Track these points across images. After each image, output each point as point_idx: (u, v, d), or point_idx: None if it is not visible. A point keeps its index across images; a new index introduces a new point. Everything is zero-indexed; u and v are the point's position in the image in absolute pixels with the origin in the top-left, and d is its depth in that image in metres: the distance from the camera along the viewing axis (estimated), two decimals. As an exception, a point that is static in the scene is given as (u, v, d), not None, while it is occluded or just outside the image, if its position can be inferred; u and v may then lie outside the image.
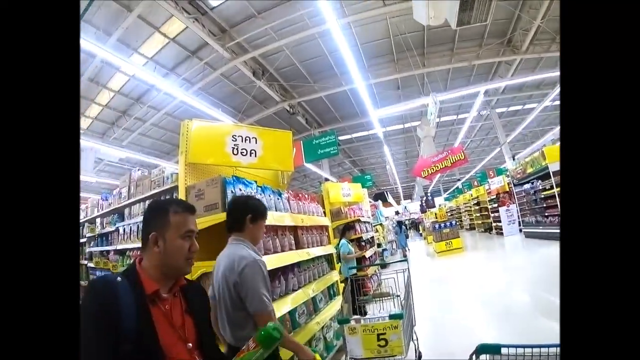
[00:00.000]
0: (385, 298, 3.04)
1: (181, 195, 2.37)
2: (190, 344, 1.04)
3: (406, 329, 2.55)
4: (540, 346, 1.11)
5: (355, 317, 2.56)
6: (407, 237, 20.64)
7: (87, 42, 5.29)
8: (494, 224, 14.06)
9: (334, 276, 3.86)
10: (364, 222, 5.70)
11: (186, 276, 1.17)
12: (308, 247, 2.93)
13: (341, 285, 3.96)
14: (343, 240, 5.20)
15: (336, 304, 3.38)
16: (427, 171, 8.09)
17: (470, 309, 4.46)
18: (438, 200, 24.85)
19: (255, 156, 2.70)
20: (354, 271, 5.16)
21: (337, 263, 4.12)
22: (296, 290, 2.62)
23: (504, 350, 1.14)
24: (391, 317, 2.33)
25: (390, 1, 7.28)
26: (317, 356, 1.52)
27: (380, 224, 11.38)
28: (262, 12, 7.08)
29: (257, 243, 1.74)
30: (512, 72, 10.49)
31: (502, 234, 12.56)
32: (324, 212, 3.62)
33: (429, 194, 24.90)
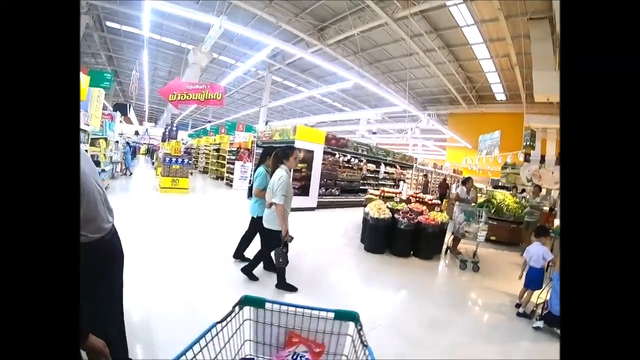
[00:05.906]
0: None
1: None
2: None
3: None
4: (305, 307, 1.19)
5: None
6: (133, 157, 18.46)
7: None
8: (226, 174, 14.49)
9: None
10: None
11: None
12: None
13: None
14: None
15: None
16: (177, 96, 6.85)
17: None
18: (182, 134, 23.61)
19: None
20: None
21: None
22: None
23: (267, 305, 1.19)
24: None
25: None
26: None
27: (105, 139, 9.03)
28: None
29: None
30: (308, 52, 11.41)
31: (231, 185, 12.77)
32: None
33: (175, 124, 23.11)
